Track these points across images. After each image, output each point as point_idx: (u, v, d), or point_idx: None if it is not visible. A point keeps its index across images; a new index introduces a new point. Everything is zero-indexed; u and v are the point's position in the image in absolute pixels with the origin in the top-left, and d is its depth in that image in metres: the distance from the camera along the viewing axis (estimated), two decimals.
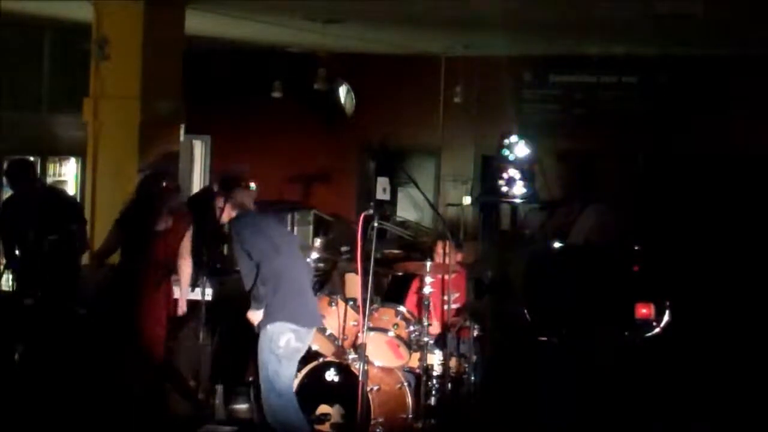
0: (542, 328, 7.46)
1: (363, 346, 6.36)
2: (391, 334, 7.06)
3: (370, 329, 6.69)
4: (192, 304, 7.20)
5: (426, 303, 7.07)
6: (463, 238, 9.40)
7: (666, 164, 11.39)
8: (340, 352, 7.08)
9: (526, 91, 12.55)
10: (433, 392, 7.15)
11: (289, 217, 11.48)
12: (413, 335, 7.09)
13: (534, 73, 12.51)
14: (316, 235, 11.33)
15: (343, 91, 13.04)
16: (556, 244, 8.85)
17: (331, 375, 6.89)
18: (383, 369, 7.12)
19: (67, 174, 11.09)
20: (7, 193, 8.42)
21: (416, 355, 7.11)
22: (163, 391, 6.98)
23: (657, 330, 8.35)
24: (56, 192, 8.72)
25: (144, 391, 6.74)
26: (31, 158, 9.61)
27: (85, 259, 8.00)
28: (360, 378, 6.32)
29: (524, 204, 10.15)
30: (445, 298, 7.21)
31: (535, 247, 9.66)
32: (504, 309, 7.94)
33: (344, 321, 7.13)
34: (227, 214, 6.63)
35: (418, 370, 7.13)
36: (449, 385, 7.14)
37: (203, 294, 7.11)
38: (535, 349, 7.51)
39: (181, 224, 6.83)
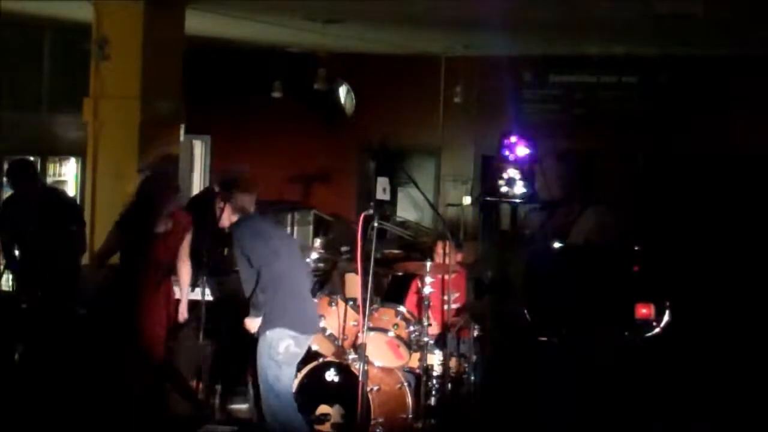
0: (542, 328, 7.46)
1: (363, 346, 6.36)
2: (391, 334, 7.06)
3: (370, 329, 6.70)
4: (192, 304, 7.20)
5: (426, 303, 7.07)
6: (463, 238, 9.40)
7: (666, 164, 11.39)
8: (340, 352, 7.08)
9: (526, 91, 12.54)
10: (433, 392, 7.15)
11: (289, 217, 11.49)
12: (413, 335, 7.09)
13: (534, 73, 12.51)
14: (316, 235, 11.33)
15: (343, 91, 13.04)
16: (556, 244, 8.84)
17: (331, 375, 6.89)
18: (383, 369, 7.12)
19: (67, 174, 11.09)
20: (7, 192, 8.43)
21: (416, 355, 7.11)
22: (163, 391, 6.97)
23: (657, 330, 8.35)
24: (56, 192, 8.73)
25: (144, 391, 6.74)
26: (31, 158, 9.62)
27: (85, 259, 8.00)
28: (360, 378, 6.33)
29: (524, 204, 10.16)
30: (445, 298, 7.20)
31: (535, 247, 9.67)
32: (504, 309, 7.94)
33: (344, 321, 7.13)
34: (227, 217, 6.61)
35: (418, 370, 7.13)
36: (449, 385, 7.14)
37: (203, 294, 7.10)
38: (535, 349, 7.52)
39: (181, 226, 6.83)
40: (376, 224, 6.48)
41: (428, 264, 7.19)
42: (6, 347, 7.62)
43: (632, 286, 8.59)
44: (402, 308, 7.27)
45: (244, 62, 12.99)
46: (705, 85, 11.65)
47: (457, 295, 7.57)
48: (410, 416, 7.02)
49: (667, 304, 8.72)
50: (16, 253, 7.80)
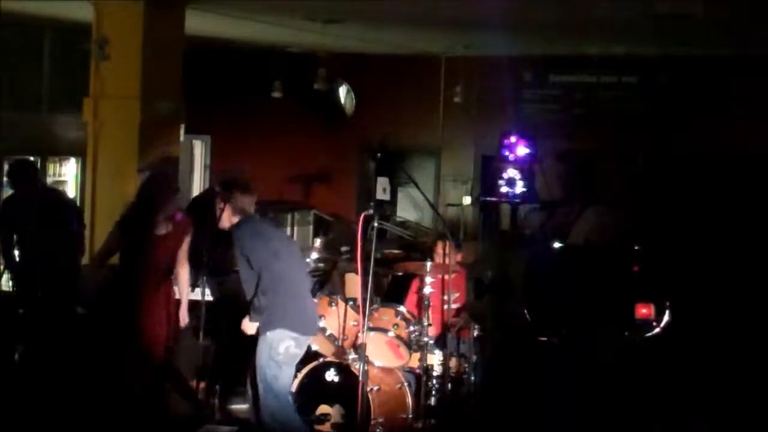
0: (542, 328, 7.46)
1: (363, 346, 6.36)
2: (391, 334, 7.06)
3: (370, 329, 6.69)
4: (192, 304, 7.20)
5: (426, 303, 7.07)
6: (463, 238, 9.41)
7: (666, 164, 11.39)
8: (340, 352, 7.08)
9: (526, 91, 12.54)
10: (433, 392, 7.15)
11: (289, 217, 11.49)
12: (413, 335, 7.09)
13: (534, 73, 12.51)
14: (316, 235, 11.33)
15: (343, 91, 13.05)
16: (556, 244, 8.85)
17: (331, 375, 6.89)
18: (383, 369, 7.12)
19: (67, 174, 11.09)
20: (7, 192, 8.43)
21: (416, 355, 7.11)
22: (163, 391, 6.97)
23: (657, 330, 8.35)
24: (56, 193, 8.73)
25: (144, 391, 6.74)
26: (31, 158, 9.63)
27: (84, 259, 8.00)
28: (360, 378, 6.33)
29: (524, 204, 10.17)
30: (445, 298, 7.20)
31: (535, 247, 9.68)
32: (504, 309, 7.95)
33: (344, 321, 7.13)
34: (228, 218, 6.61)
35: (418, 370, 7.13)
36: (449, 385, 7.13)
37: (203, 294, 7.10)
38: (535, 349, 7.52)
39: (180, 229, 6.83)
40: (376, 224, 6.48)
41: (428, 264, 7.18)
42: (6, 347, 7.63)
43: (632, 286, 8.60)
44: (402, 308, 7.27)
45: (244, 62, 12.99)
46: (705, 85, 11.65)
47: (457, 295, 7.56)
48: (410, 416, 7.02)
49: (667, 304, 8.73)
50: (16, 253, 7.80)
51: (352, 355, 6.92)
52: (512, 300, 7.95)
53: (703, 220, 10.72)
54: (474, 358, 7.40)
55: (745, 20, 8.52)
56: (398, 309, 7.23)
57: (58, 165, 11.00)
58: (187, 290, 7.00)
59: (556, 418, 6.91)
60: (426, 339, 7.00)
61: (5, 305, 8.00)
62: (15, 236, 7.81)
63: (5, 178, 8.39)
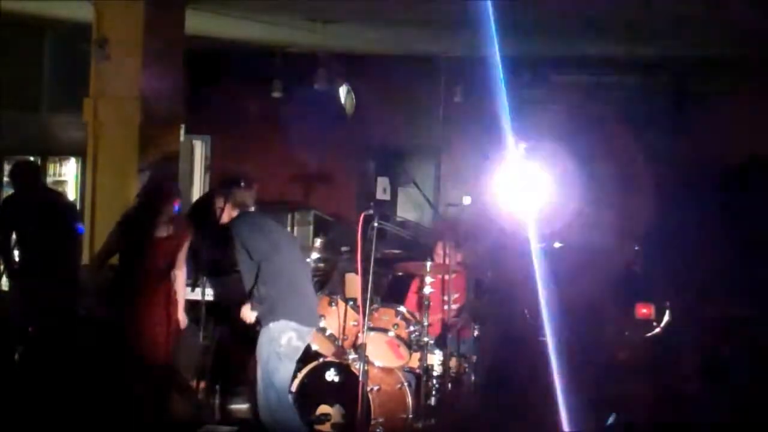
0: (542, 328, 7.46)
1: (363, 346, 6.37)
2: (391, 334, 7.06)
3: (370, 329, 6.70)
4: (192, 304, 7.20)
5: (426, 303, 7.07)
6: (463, 239, 9.40)
7: (666, 165, 11.38)
8: (340, 352, 7.08)
9: (526, 91, 12.53)
10: (433, 392, 7.15)
11: (289, 217, 11.49)
12: (413, 335, 7.09)
13: (534, 73, 12.50)
14: (316, 235, 11.33)
15: (343, 91, 13.04)
16: (556, 244, 8.85)
17: (331, 375, 6.89)
18: (383, 369, 7.12)
19: (67, 174, 11.09)
20: (8, 192, 8.44)
21: (416, 355, 7.11)
22: (164, 391, 6.97)
23: (657, 330, 8.37)
24: (56, 195, 8.71)
25: (144, 391, 6.74)
26: (31, 158, 9.63)
27: (84, 259, 8.00)
28: (360, 378, 6.33)
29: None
30: (445, 298, 7.20)
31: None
32: (504, 309, 7.95)
33: (344, 321, 7.13)
34: (228, 214, 6.64)
35: (418, 370, 7.13)
36: (449, 385, 7.13)
37: (203, 294, 7.11)
38: (535, 349, 7.51)
39: (180, 232, 6.84)
40: (376, 224, 6.48)
41: (428, 264, 7.19)
42: (6, 348, 7.63)
43: (632, 286, 8.60)
44: (402, 308, 7.27)
45: (244, 62, 12.98)
46: (705, 86, 11.64)
47: (457, 295, 7.57)
48: (410, 416, 7.02)
49: (667, 304, 8.73)
50: (16, 252, 7.80)
51: (352, 355, 6.92)
52: (512, 300, 7.94)
53: (703, 220, 10.71)
54: (474, 358, 7.40)
55: (745, 20, 8.52)
56: (398, 309, 7.23)
57: (58, 165, 11.00)
58: (184, 291, 7.01)
59: (556, 418, 6.90)
60: (426, 339, 7.00)
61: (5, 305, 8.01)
62: (15, 236, 7.81)
63: (6, 179, 8.39)
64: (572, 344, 7.31)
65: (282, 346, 6.44)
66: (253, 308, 6.49)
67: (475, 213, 8.26)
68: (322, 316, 7.06)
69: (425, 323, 7.01)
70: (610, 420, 7.02)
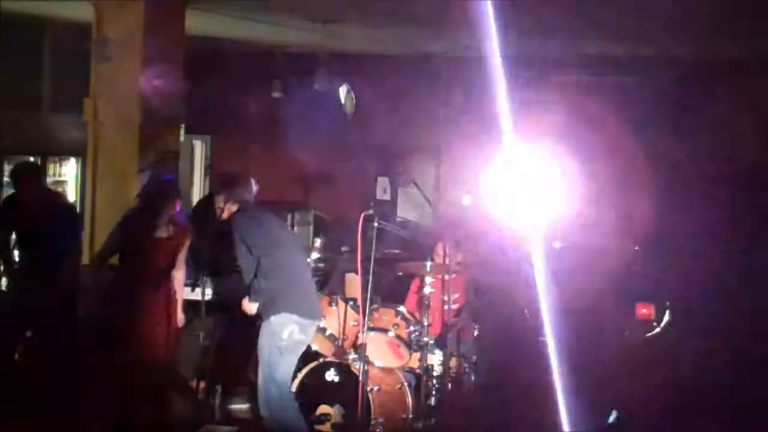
0: (542, 328, 7.46)
1: (363, 346, 6.37)
2: (391, 334, 7.06)
3: (370, 329, 6.70)
4: (192, 304, 7.20)
5: (426, 303, 7.07)
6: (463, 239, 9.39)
7: (666, 165, 11.38)
8: (340, 352, 7.08)
9: (526, 91, 12.52)
10: (433, 392, 7.15)
11: (289, 217, 11.49)
12: (413, 335, 7.09)
13: (534, 73, 12.49)
14: (316, 235, 11.33)
15: (343, 91, 13.04)
16: (556, 244, 8.84)
17: (331, 375, 6.89)
18: (383, 369, 7.12)
19: (67, 174, 11.10)
20: (8, 192, 8.44)
21: (416, 355, 7.11)
22: (164, 391, 6.97)
23: (657, 330, 8.36)
24: (56, 195, 8.70)
25: (144, 391, 6.74)
26: (31, 158, 9.63)
27: (83, 259, 8.00)
28: (360, 378, 6.33)
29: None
30: (445, 298, 7.20)
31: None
32: (504, 309, 7.94)
33: (344, 321, 7.13)
34: (227, 211, 6.65)
35: (418, 370, 7.13)
36: (449, 385, 7.13)
37: (203, 294, 7.11)
38: (535, 349, 7.51)
39: (180, 233, 6.84)
40: (376, 224, 6.48)
41: (428, 264, 7.19)
42: (6, 348, 7.63)
43: (632, 286, 8.60)
44: (402, 308, 7.28)
45: (244, 62, 12.98)
46: (705, 86, 11.64)
47: (457, 295, 7.57)
48: (410, 416, 7.02)
49: (667, 304, 8.73)
50: (16, 252, 7.80)
51: (352, 355, 6.92)
52: (512, 300, 7.94)
53: (702, 220, 10.71)
54: (474, 358, 7.40)
55: (745, 21, 8.52)
56: (398, 309, 7.23)
57: (58, 165, 11.01)
58: (182, 291, 7.01)
59: (556, 418, 6.90)
60: (426, 339, 7.00)
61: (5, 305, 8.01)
62: (15, 236, 7.81)
63: (6, 179, 8.39)
64: (572, 344, 7.30)
65: (284, 340, 6.44)
66: (251, 300, 6.48)
67: (475, 213, 8.26)
68: (323, 316, 7.06)
69: (425, 323, 7.01)
70: (611, 418, 7.01)
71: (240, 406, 7.43)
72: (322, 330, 7.06)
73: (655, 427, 7.12)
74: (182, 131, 9.12)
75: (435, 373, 7.16)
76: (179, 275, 6.93)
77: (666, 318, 9.00)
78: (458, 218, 8.25)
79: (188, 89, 8.60)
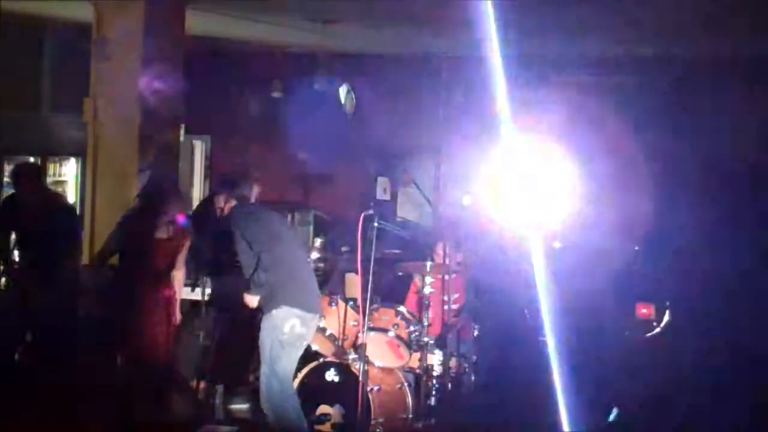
0: (542, 328, 7.46)
1: (363, 346, 6.37)
2: (391, 334, 7.06)
3: (370, 329, 6.70)
4: (192, 304, 7.20)
5: (426, 303, 7.07)
6: (463, 239, 9.39)
7: (666, 165, 11.38)
8: (340, 352, 7.08)
9: (526, 91, 12.51)
10: (433, 392, 7.15)
11: (289, 217, 11.48)
12: (413, 335, 7.09)
13: (534, 73, 12.49)
14: (316, 235, 11.33)
15: (343, 91, 13.04)
16: (556, 244, 8.84)
17: (331, 375, 6.89)
18: (383, 369, 7.12)
19: (67, 174, 11.09)
20: (8, 192, 8.44)
21: (416, 355, 7.11)
22: (164, 391, 6.97)
23: (657, 330, 8.36)
24: (56, 196, 8.70)
25: (144, 391, 6.74)
26: (31, 158, 9.63)
27: (83, 259, 8.00)
28: (360, 378, 6.33)
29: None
30: (445, 298, 7.20)
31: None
32: (504, 309, 7.94)
33: (344, 321, 7.13)
34: (227, 207, 6.67)
35: (418, 370, 7.13)
36: (449, 385, 7.13)
37: (203, 294, 7.11)
38: (535, 349, 7.51)
39: (181, 234, 6.84)
40: (376, 224, 6.48)
41: (428, 264, 7.18)
42: (6, 348, 7.64)
43: (632, 286, 8.59)
44: (402, 308, 7.27)
45: (244, 62, 12.98)
46: (705, 86, 11.64)
47: (457, 295, 7.57)
48: (410, 416, 7.02)
49: (667, 304, 8.72)
50: (16, 252, 7.81)
51: (352, 355, 6.92)
52: (512, 300, 7.94)
53: (702, 221, 10.72)
54: (474, 358, 7.40)
55: (746, 21, 8.52)
56: (398, 309, 7.23)
57: (58, 165, 11.00)
58: (181, 291, 7.01)
59: (556, 418, 6.90)
60: (426, 339, 7.00)
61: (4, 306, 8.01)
62: (15, 236, 7.81)
63: (6, 179, 8.39)
64: (572, 344, 7.30)
65: (285, 333, 6.43)
66: (252, 293, 6.48)
67: (475, 213, 8.26)
68: (322, 316, 7.06)
69: (425, 323, 7.01)
70: (612, 415, 7.02)
71: (240, 406, 7.43)
72: (322, 330, 7.06)
73: (655, 426, 7.12)
74: (182, 131, 9.11)
75: (435, 373, 7.16)
76: (179, 275, 6.94)
77: (666, 318, 9.00)
78: (458, 218, 8.23)
79: (188, 89, 8.59)
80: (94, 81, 8.15)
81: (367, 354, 6.50)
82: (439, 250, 7.65)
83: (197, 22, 9.00)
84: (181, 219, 6.90)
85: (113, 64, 8.02)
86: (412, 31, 10.63)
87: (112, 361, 6.75)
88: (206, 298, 7.18)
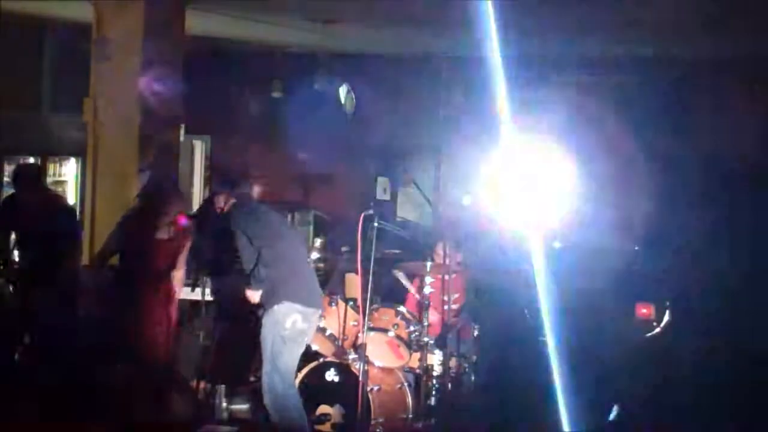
0: (542, 328, 7.46)
1: (363, 346, 6.37)
2: (391, 334, 7.06)
3: (370, 329, 6.70)
4: (192, 304, 7.20)
5: (426, 303, 7.07)
6: (463, 238, 9.39)
7: (666, 165, 11.38)
8: (341, 352, 7.08)
9: (526, 91, 12.51)
10: (433, 392, 7.15)
11: (289, 217, 11.49)
12: (413, 335, 7.09)
13: (534, 73, 12.49)
14: (316, 235, 11.33)
15: (343, 91, 13.04)
16: (556, 244, 8.84)
17: (331, 375, 6.89)
18: (383, 369, 7.12)
19: (67, 174, 11.09)
20: (8, 192, 8.43)
21: (416, 355, 7.11)
22: (164, 391, 6.98)
23: (657, 330, 8.35)
24: (56, 196, 8.70)
25: (144, 391, 6.74)
26: (31, 158, 9.63)
27: (84, 259, 8.00)
28: (360, 378, 6.33)
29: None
30: (445, 298, 7.20)
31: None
32: (504, 309, 7.94)
33: (344, 321, 7.13)
34: (227, 205, 6.68)
35: (418, 370, 7.13)
36: (449, 385, 7.13)
37: (203, 294, 7.11)
38: (535, 349, 7.51)
39: (181, 235, 6.84)
40: (376, 224, 6.48)
41: (428, 264, 7.18)
42: (6, 348, 7.64)
43: (632, 286, 8.59)
44: (402, 308, 7.27)
45: (244, 62, 12.98)
46: (705, 86, 11.64)
47: (457, 295, 7.56)
48: (410, 416, 7.02)
49: (667, 304, 8.72)
50: (16, 252, 7.81)
51: (352, 355, 6.92)
52: (512, 300, 7.93)
53: (702, 221, 10.72)
54: (474, 358, 7.40)
55: (746, 21, 8.53)
56: (398, 309, 7.23)
57: (58, 165, 11.00)
58: (181, 290, 7.02)
59: (556, 418, 6.91)
60: (426, 339, 7.00)
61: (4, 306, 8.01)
62: (14, 237, 7.81)
63: (6, 179, 8.40)
64: (572, 344, 7.30)
65: (287, 329, 6.44)
66: (253, 288, 6.49)
67: (475, 213, 8.27)
68: (322, 316, 7.06)
69: (425, 323, 7.01)
70: (613, 414, 7.02)
71: (240, 406, 7.43)
72: (322, 330, 7.06)
73: (655, 426, 7.12)
74: (182, 131, 9.11)
75: (435, 373, 7.16)
76: (179, 275, 6.94)
77: (666, 318, 8.99)
78: (458, 218, 8.24)
79: (188, 89, 8.60)
80: (94, 81, 8.15)
81: (367, 354, 6.50)
82: (439, 250, 7.65)
83: (197, 22, 9.00)
84: (181, 219, 6.91)
85: (113, 64, 8.02)
86: (412, 31, 10.63)
87: (112, 361, 6.75)
88: (206, 298, 7.18)
